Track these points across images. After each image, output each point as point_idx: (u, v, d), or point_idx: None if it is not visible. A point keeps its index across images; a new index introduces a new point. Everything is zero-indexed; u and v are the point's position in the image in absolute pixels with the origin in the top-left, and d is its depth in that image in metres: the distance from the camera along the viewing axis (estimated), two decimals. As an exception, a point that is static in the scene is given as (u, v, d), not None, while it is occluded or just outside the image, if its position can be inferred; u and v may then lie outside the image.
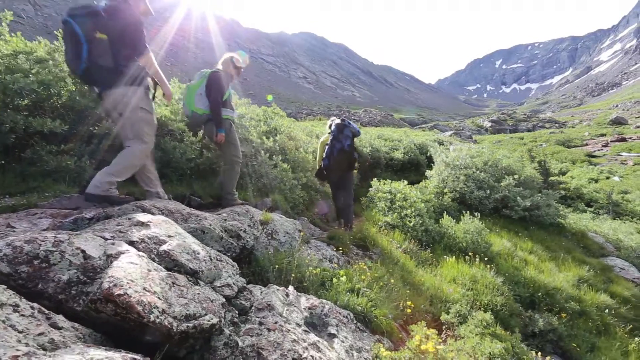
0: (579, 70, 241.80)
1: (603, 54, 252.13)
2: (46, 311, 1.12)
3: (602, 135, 36.14)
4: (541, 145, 32.53)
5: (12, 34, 3.16)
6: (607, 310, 4.51)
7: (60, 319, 1.11)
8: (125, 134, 2.58)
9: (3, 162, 2.70)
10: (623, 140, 31.34)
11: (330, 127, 4.69)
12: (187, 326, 1.30)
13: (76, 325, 1.15)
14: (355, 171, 4.69)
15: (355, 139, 4.61)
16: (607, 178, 20.01)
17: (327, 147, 4.50)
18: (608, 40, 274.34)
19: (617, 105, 71.20)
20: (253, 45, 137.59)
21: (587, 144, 33.00)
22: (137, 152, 2.58)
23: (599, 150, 29.68)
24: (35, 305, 1.11)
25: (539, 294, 4.35)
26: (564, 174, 20.87)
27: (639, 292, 5.57)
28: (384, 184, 5.96)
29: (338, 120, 4.62)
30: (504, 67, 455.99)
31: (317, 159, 4.85)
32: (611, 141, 31.72)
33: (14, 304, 1.06)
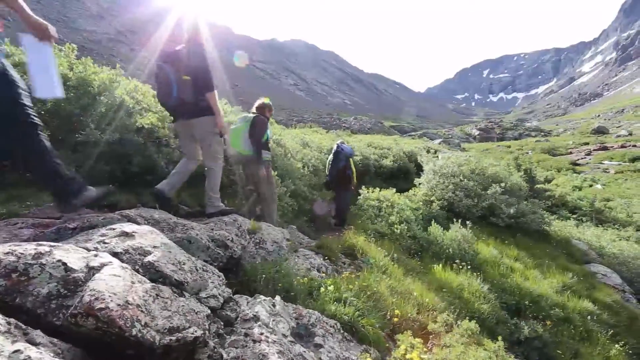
0: (563, 80, 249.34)
1: (585, 65, 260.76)
2: (23, 326, 1.10)
3: (586, 144, 37.18)
4: (527, 153, 33.28)
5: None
6: (589, 317, 4.61)
7: (37, 334, 1.09)
8: (206, 156, 3.18)
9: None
10: (605, 149, 32.29)
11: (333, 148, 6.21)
12: (170, 339, 1.29)
13: (55, 340, 1.13)
14: (353, 182, 5.94)
15: (350, 157, 5.90)
16: (591, 186, 20.56)
17: (330, 165, 6.04)
18: (589, 53, 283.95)
19: (599, 115, 73.55)
20: (244, 52, 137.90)
21: (571, 152, 33.89)
22: (219, 169, 3.23)
23: (582, 158, 30.50)
24: (12, 320, 1.09)
25: (525, 301, 4.41)
26: (549, 181, 21.34)
27: (620, 298, 5.71)
28: (373, 191, 6.00)
29: (335, 145, 6.04)
30: (491, 76, 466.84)
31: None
32: (594, 150, 32.65)
33: (-10, 319, 1.03)
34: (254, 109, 4.14)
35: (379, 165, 10.10)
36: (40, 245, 1.42)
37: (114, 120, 3.30)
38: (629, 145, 31.67)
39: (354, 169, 5.97)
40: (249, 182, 4.05)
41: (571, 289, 5.21)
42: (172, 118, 3.27)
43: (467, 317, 3.01)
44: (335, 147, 6.02)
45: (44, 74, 1.87)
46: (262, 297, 2.09)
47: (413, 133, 51.70)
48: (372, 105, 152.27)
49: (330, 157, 6.06)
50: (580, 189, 19.58)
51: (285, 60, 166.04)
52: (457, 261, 4.56)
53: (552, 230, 8.72)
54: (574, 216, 14.38)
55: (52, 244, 1.49)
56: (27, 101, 1.93)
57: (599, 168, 26.35)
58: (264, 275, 2.35)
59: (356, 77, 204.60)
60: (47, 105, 3.13)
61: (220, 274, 2.04)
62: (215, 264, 2.29)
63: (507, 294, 4.43)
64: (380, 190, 6.13)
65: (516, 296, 4.46)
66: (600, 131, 45.05)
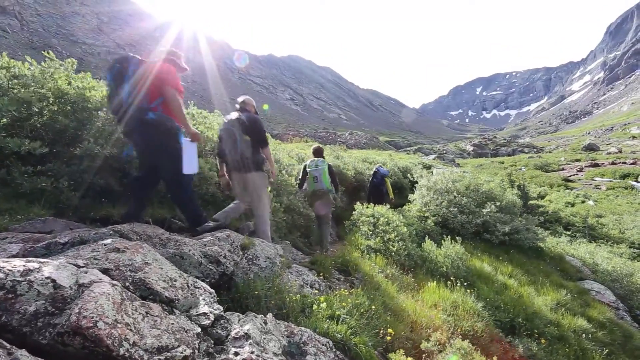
0: (554, 98, 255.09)
1: (575, 84, 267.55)
2: (8, 346, 1.07)
3: (577, 160, 37.77)
4: (521, 169, 33.68)
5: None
6: (584, 335, 4.59)
7: (22, 354, 1.07)
8: (255, 206, 3.61)
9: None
10: (596, 165, 32.81)
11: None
12: (159, 359, 1.27)
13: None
14: (390, 197, 8.09)
15: (384, 176, 8.13)
16: (583, 202, 20.77)
17: (369, 184, 8.50)
18: (579, 72, 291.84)
19: (589, 133, 75.07)
20: (242, 67, 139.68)
21: (563, 169, 34.36)
22: (267, 217, 3.68)
23: (574, 174, 30.92)
24: (-2, 339, 1.07)
25: (519, 318, 4.39)
26: (542, 197, 21.54)
27: (614, 316, 5.70)
28: (367, 207, 6.02)
29: (375, 168, 8.42)
30: (484, 93, 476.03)
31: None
32: (585, 166, 33.15)
33: (-26, 338, 1.02)
34: (314, 150, 5.55)
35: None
36: (30, 261, 1.41)
37: (112, 134, 3.32)
38: (619, 162, 32.24)
39: (389, 186, 8.14)
40: (321, 209, 5.19)
41: (565, 307, 5.20)
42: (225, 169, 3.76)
43: (461, 336, 2.99)
44: (374, 168, 8.37)
45: (190, 161, 2.92)
46: (254, 314, 2.07)
47: (408, 148, 52.19)
48: (368, 121, 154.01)
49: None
50: (573, 205, 19.77)
51: (282, 75, 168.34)
52: (451, 278, 4.54)
53: (545, 246, 8.76)
54: (568, 232, 14.48)
55: (42, 260, 1.48)
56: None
57: (590, 184, 26.70)
58: (256, 292, 2.33)
59: (352, 93, 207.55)
60: (44, 118, 3.15)
61: (212, 290, 2.02)
62: (208, 280, 2.27)
63: (501, 312, 4.41)
64: (374, 206, 6.14)
65: (510, 313, 4.43)
66: (591, 148, 45.88)
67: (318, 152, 5.47)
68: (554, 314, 4.84)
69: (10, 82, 2.99)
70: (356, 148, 33.80)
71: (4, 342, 1.06)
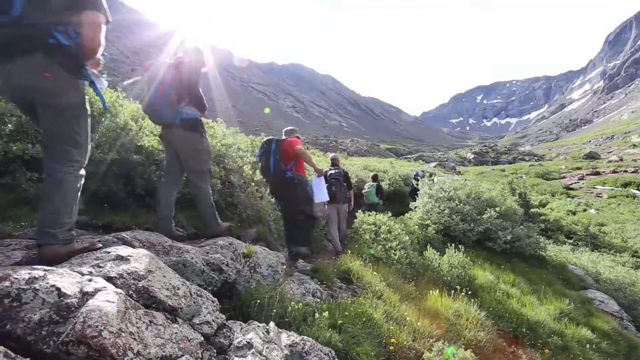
0: (554, 107, 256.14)
1: (574, 93, 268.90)
2: (12, 354, 1.07)
3: (578, 168, 37.77)
4: (522, 177, 33.66)
5: None
6: (588, 345, 4.54)
7: (27, 363, 1.07)
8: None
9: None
10: (597, 173, 32.81)
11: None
12: (162, 368, 1.27)
13: (44, 369, 1.11)
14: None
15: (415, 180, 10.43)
16: (585, 210, 20.72)
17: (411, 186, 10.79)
18: (578, 81, 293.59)
19: (590, 141, 75.14)
20: (244, 75, 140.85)
21: (564, 177, 34.35)
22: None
23: (575, 183, 30.90)
24: (1, 348, 1.07)
25: (522, 328, 4.35)
26: (544, 205, 21.50)
27: (618, 325, 5.65)
28: (369, 215, 6.01)
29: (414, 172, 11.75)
30: (484, 102, 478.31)
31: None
32: (587, 174, 33.15)
33: (-21, 347, 1.02)
34: (331, 158, 6.70)
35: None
36: (34, 269, 1.41)
37: (116, 141, 3.33)
38: (621, 171, 32.23)
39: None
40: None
41: (569, 316, 5.16)
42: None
43: (464, 346, 2.96)
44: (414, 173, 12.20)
45: (321, 191, 4.06)
46: (256, 323, 2.06)
47: (409, 156, 52.28)
48: (369, 128, 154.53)
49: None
50: (574, 214, 19.72)
51: (284, 83, 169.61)
52: (456, 287, 4.51)
53: (547, 255, 8.72)
54: (570, 241, 14.41)
55: (47, 267, 1.49)
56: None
57: (592, 192, 26.66)
58: (258, 301, 2.32)
59: (353, 101, 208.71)
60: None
61: (215, 299, 2.01)
62: (210, 288, 2.27)
63: (504, 321, 4.37)
64: (376, 215, 6.14)
65: (513, 323, 4.39)
66: (592, 156, 45.92)
67: (334, 161, 6.55)
68: (557, 324, 4.79)
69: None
70: (357, 155, 33.88)
71: (9, 351, 1.06)
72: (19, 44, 1.69)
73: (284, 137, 4.03)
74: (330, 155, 7.14)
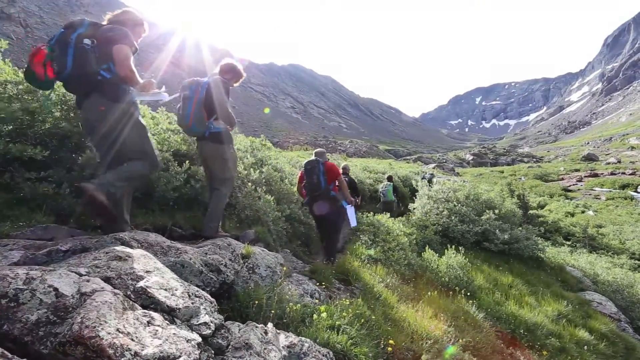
0: (553, 109, 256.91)
1: (573, 95, 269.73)
2: (9, 355, 1.07)
3: (577, 170, 37.84)
4: (520, 178, 33.72)
5: (4, 61, 3.18)
6: (586, 347, 4.55)
7: (24, 364, 1.07)
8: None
9: (-23, 189, 2.63)
10: (595, 175, 32.88)
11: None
12: (160, 369, 1.26)
13: (41, 370, 1.10)
14: None
15: None
16: (583, 212, 20.75)
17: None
18: (577, 83, 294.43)
19: (588, 143, 75.36)
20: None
21: (562, 179, 34.41)
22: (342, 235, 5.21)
23: (574, 184, 30.96)
24: (-1, 348, 1.07)
25: (520, 330, 4.36)
26: (542, 207, 21.54)
27: (615, 327, 5.65)
28: (367, 216, 6.01)
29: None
30: (483, 103, 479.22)
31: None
32: (585, 176, 33.21)
33: (-24, 347, 1.01)
34: (343, 167, 7.10)
35: (374, 190, 10.15)
36: (32, 269, 1.41)
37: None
38: (619, 173, 32.32)
39: None
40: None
41: (567, 318, 5.17)
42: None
43: (462, 347, 2.97)
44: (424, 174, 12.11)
45: (352, 217, 4.60)
46: (254, 324, 2.05)
47: (408, 157, 52.33)
48: (368, 129, 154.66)
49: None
50: (572, 215, 19.75)
51: (283, 84, 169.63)
52: (454, 288, 4.52)
53: (546, 256, 8.73)
54: (568, 242, 14.44)
55: (44, 268, 1.48)
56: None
57: (590, 194, 26.72)
58: (256, 302, 2.32)
59: (352, 102, 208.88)
60: (47, 125, 3.17)
61: (213, 300, 2.01)
62: (208, 289, 2.26)
63: (502, 322, 4.38)
64: (374, 215, 6.14)
65: (511, 325, 4.40)
66: (590, 158, 46.04)
67: (345, 170, 7.19)
68: (555, 325, 4.80)
69: (18, 91, 3.02)
70: (356, 156, 33.91)
71: (6, 352, 1.06)
72: (82, 89, 2.37)
73: (314, 157, 4.69)
74: (342, 164, 8.39)
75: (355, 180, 9.46)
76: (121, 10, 2.62)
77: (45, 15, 69.79)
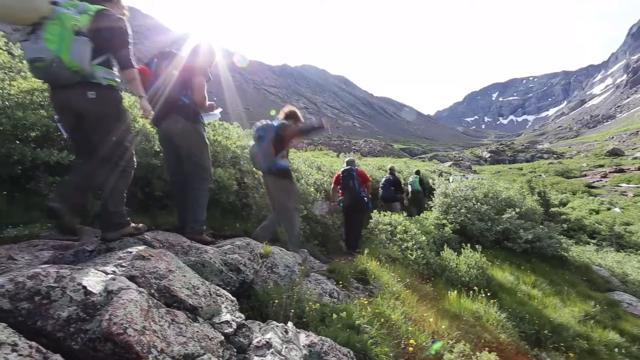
0: (574, 103, 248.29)
1: (596, 88, 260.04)
2: (44, 350, 1.11)
3: (601, 166, 36.46)
4: (540, 175, 32.73)
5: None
6: (617, 349, 4.36)
7: (57, 359, 1.10)
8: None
9: (8, 192, 2.74)
10: (621, 171, 31.58)
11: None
12: (185, 366, 1.28)
13: (73, 365, 1.13)
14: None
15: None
16: (608, 209, 19.94)
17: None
18: (599, 75, 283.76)
19: (613, 137, 72.33)
20: (257, 77, 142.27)
21: (585, 175, 33.22)
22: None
23: (598, 181, 29.83)
24: (34, 344, 1.10)
25: (545, 330, 4.21)
26: (564, 204, 20.84)
27: (648, 329, 5.40)
28: (384, 215, 5.96)
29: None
30: (500, 99, 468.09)
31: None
32: (610, 172, 31.95)
33: (12, 342, 1.05)
34: (415, 173, 9.38)
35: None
36: (62, 268, 1.45)
37: (135, 146, 3.41)
38: (647, 168, 30.92)
39: None
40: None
41: (594, 319, 4.97)
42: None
43: (487, 348, 2.90)
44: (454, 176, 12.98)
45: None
46: (275, 323, 2.06)
47: (423, 155, 51.65)
48: (382, 128, 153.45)
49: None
50: (597, 213, 19.01)
51: (296, 85, 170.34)
52: (473, 288, 4.42)
53: (570, 255, 8.43)
54: (593, 241, 13.92)
55: (73, 267, 1.53)
56: None
57: (616, 191, 25.67)
58: (276, 301, 2.33)
59: (366, 101, 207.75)
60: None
61: (234, 298, 2.03)
62: (228, 288, 2.29)
63: (525, 323, 4.25)
64: (391, 215, 6.08)
65: (535, 325, 4.26)
66: (615, 153, 44.21)
67: (392, 170, 9.07)
68: (582, 327, 4.62)
69: (43, 98, 3.14)
70: (371, 156, 33.69)
71: (41, 347, 1.10)
72: (165, 109, 2.72)
73: (346, 165, 5.96)
74: (389, 165, 10.35)
75: (400, 180, 10.07)
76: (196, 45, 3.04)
77: (67, 25, 72.44)
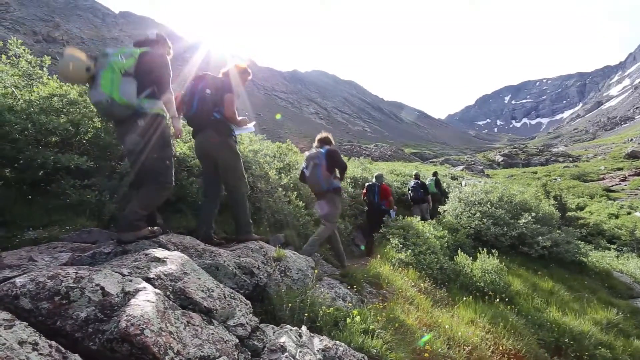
0: (590, 105, 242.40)
1: (612, 89, 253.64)
2: (63, 350, 1.12)
3: (619, 169, 35.42)
4: (556, 179, 31.99)
5: (50, 77, 3.42)
6: (642, 359, 4.18)
7: (76, 359, 1.11)
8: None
9: (30, 196, 2.81)
10: (642, 174, 30.59)
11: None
12: (201, 368, 1.28)
13: (91, 365, 1.14)
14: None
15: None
16: (629, 213, 19.31)
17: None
18: (616, 76, 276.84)
19: (631, 139, 70.13)
20: (267, 83, 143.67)
21: (603, 178, 32.31)
22: None
23: (616, 184, 28.97)
24: (53, 343, 1.12)
25: (565, 338, 4.07)
26: (581, 209, 20.29)
27: (675, 339, 5.16)
28: (397, 219, 5.89)
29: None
30: (513, 102, 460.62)
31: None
32: (629, 175, 31.01)
33: (33, 342, 1.07)
34: (432, 175, 10.73)
35: (401, 193, 9.97)
36: (80, 269, 1.48)
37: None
38: (669, 171, 29.90)
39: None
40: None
41: (617, 327, 4.79)
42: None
43: (505, 355, 2.81)
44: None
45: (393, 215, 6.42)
46: (289, 326, 2.05)
47: (434, 159, 51.13)
48: (393, 133, 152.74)
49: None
50: (617, 217, 18.42)
51: (307, 90, 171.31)
52: (489, 293, 4.32)
53: (589, 261, 8.16)
54: (613, 246, 13.48)
55: (91, 268, 1.55)
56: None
57: (636, 194, 24.86)
58: (289, 305, 2.31)
59: (376, 105, 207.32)
60: (89, 135, 3.36)
61: (248, 302, 2.03)
62: (242, 291, 2.29)
63: (544, 330, 4.11)
64: (404, 219, 6.02)
65: (555, 333, 4.12)
66: (635, 155, 42.83)
67: (417, 176, 9.84)
68: (604, 335, 4.45)
69: (64, 105, 3.22)
70: (382, 160, 33.54)
71: (60, 347, 1.11)
72: (200, 124, 3.06)
73: (374, 180, 7.16)
74: (414, 172, 11.09)
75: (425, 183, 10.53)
76: (232, 65, 3.37)
77: (85, 35, 74.97)
